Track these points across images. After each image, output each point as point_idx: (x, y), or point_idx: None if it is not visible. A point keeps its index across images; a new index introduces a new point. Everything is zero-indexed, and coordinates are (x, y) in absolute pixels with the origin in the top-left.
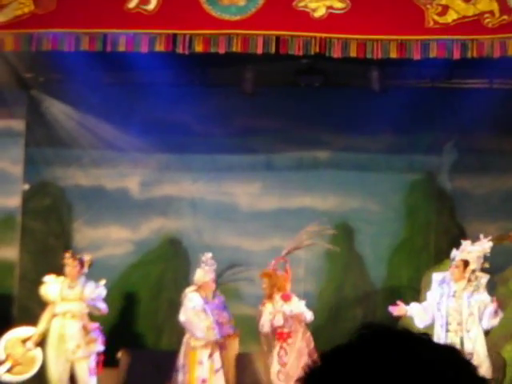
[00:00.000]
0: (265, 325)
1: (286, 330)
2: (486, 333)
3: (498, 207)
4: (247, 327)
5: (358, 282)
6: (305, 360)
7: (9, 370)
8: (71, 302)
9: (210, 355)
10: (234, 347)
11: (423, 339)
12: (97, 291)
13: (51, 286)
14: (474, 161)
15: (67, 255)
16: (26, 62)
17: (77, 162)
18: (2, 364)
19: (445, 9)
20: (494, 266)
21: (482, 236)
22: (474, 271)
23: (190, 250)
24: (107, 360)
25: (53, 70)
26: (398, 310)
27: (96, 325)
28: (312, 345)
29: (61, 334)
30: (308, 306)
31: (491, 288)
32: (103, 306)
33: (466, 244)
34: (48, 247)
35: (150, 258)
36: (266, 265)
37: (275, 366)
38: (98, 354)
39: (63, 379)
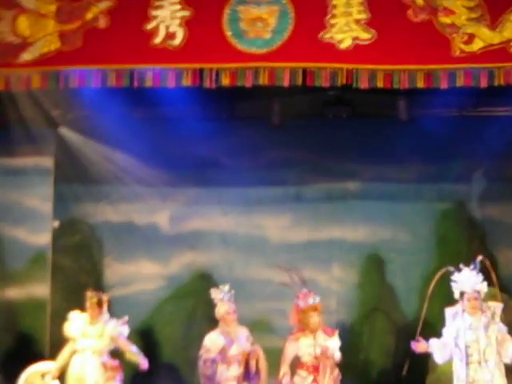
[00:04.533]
0: (304, 356)
1: (319, 364)
2: None
3: None
4: (279, 359)
5: (390, 313)
6: None
7: None
8: (92, 338)
9: None
10: (263, 368)
11: None
12: (118, 329)
13: (74, 323)
14: (503, 189)
15: (89, 294)
16: (54, 99)
17: (106, 197)
18: None
19: (471, 37)
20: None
21: (462, 266)
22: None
23: (220, 284)
24: None
25: (80, 107)
26: (419, 346)
27: (116, 362)
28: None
29: (80, 370)
30: (340, 337)
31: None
32: (142, 361)
33: (459, 275)
34: (79, 284)
35: (181, 292)
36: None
37: None
38: None
39: None
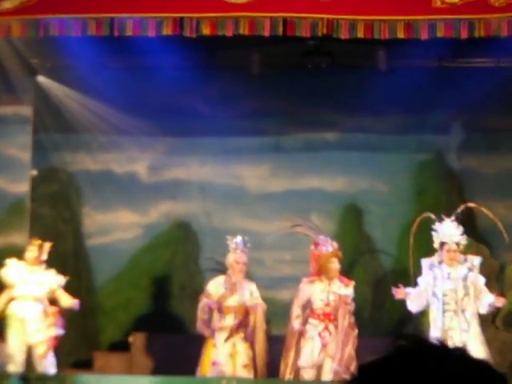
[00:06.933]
0: (315, 302)
1: (331, 311)
2: None
3: (507, 186)
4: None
5: (367, 263)
6: (352, 344)
7: None
8: (32, 285)
9: (227, 339)
10: (259, 325)
11: (458, 353)
12: (56, 279)
13: (12, 269)
14: (482, 140)
15: (33, 241)
16: (33, 47)
17: (85, 147)
18: None
19: None
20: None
21: (443, 216)
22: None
23: (199, 234)
24: (119, 344)
25: (60, 56)
26: (399, 292)
27: (56, 308)
28: (356, 331)
29: (22, 316)
30: None
31: (501, 268)
32: (75, 304)
33: (441, 225)
34: (57, 233)
35: (160, 241)
36: (275, 247)
37: (316, 345)
38: (58, 337)
39: (19, 358)
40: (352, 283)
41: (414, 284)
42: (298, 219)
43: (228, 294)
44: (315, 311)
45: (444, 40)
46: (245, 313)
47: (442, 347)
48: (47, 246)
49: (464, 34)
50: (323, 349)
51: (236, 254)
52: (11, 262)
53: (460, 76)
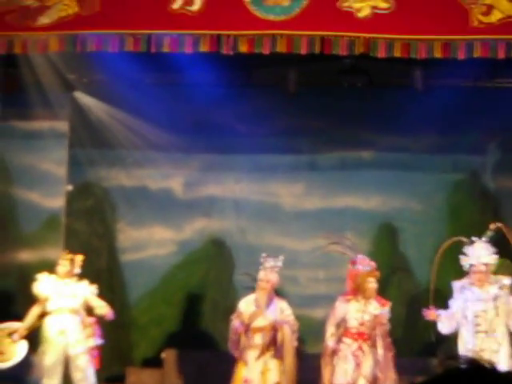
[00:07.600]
0: (350, 321)
1: (365, 330)
2: None
3: None
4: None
5: (401, 282)
6: (388, 366)
7: None
8: (67, 298)
9: (258, 357)
10: (287, 342)
11: (510, 376)
12: (89, 288)
13: (44, 283)
14: None
15: (64, 255)
16: (70, 63)
17: (120, 162)
18: None
19: (489, 8)
20: None
21: (474, 238)
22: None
23: (233, 251)
24: (152, 360)
25: (97, 71)
26: (430, 314)
27: (94, 319)
28: (393, 351)
29: (59, 329)
30: None
31: None
32: (109, 313)
33: (469, 249)
34: (92, 248)
35: (194, 258)
36: (309, 264)
37: (350, 364)
38: (98, 347)
39: (57, 372)
40: (388, 303)
41: (434, 305)
42: (334, 237)
43: (259, 311)
44: (349, 330)
45: (481, 60)
46: (273, 330)
47: (493, 369)
48: (79, 259)
49: (501, 54)
50: (357, 368)
51: (265, 271)
52: (42, 276)
53: (496, 96)
